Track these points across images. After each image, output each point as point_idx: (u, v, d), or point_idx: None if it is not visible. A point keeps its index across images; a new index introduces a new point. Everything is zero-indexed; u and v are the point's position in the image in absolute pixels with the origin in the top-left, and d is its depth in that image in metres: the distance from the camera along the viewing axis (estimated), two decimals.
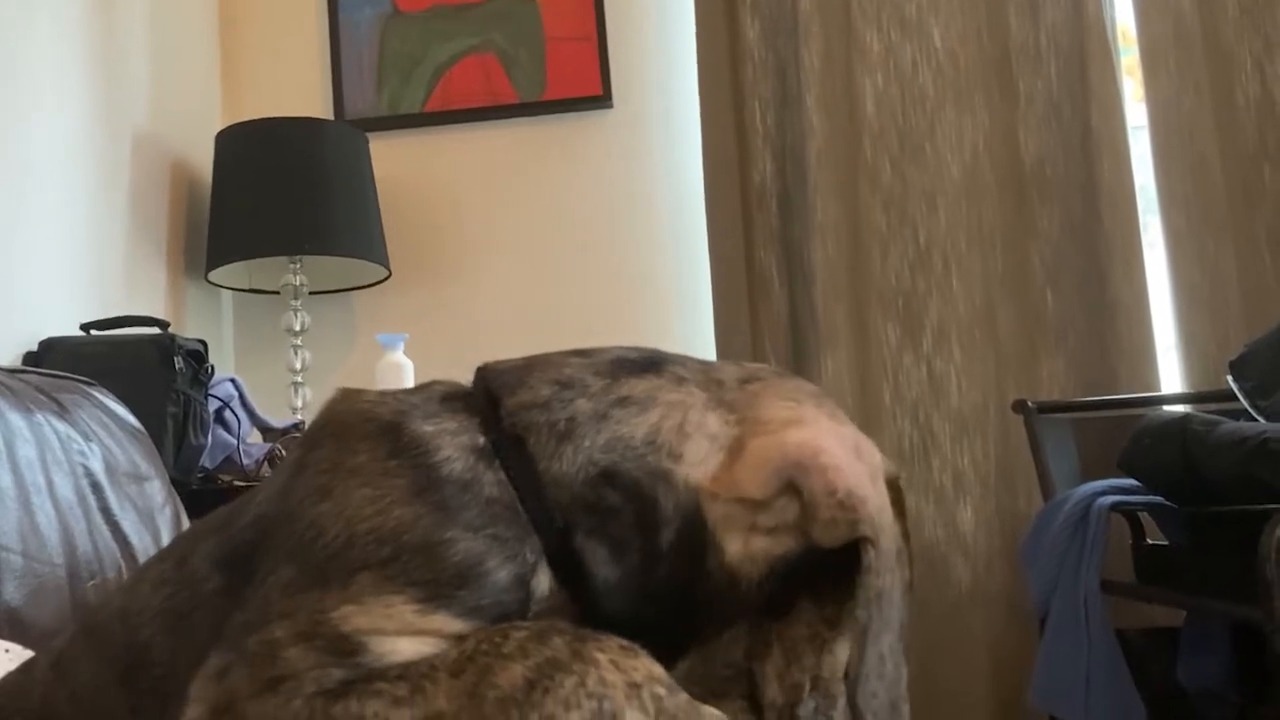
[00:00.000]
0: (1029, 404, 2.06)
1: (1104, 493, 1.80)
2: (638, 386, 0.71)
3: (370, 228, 2.41)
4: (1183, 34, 2.30)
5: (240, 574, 0.70)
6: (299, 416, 2.31)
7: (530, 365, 0.75)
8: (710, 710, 0.60)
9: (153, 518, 1.51)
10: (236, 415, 2.04)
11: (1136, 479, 1.72)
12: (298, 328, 2.42)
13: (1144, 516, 1.86)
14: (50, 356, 1.79)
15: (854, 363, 2.36)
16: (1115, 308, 2.29)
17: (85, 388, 1.56)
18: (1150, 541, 1.85)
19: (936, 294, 2.34)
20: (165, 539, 1.48)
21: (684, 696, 0.60)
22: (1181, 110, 2.31)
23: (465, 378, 0.79)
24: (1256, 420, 1.72)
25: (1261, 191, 2.22)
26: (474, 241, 2.62)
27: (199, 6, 2.67)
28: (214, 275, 2.41)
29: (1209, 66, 2.27)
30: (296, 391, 2.40)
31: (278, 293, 2.49)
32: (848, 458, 0.68)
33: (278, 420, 2.19)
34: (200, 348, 1.92)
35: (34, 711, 0.80)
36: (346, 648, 0.61)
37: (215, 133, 2.43)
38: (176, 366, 1.84)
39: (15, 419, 1.34)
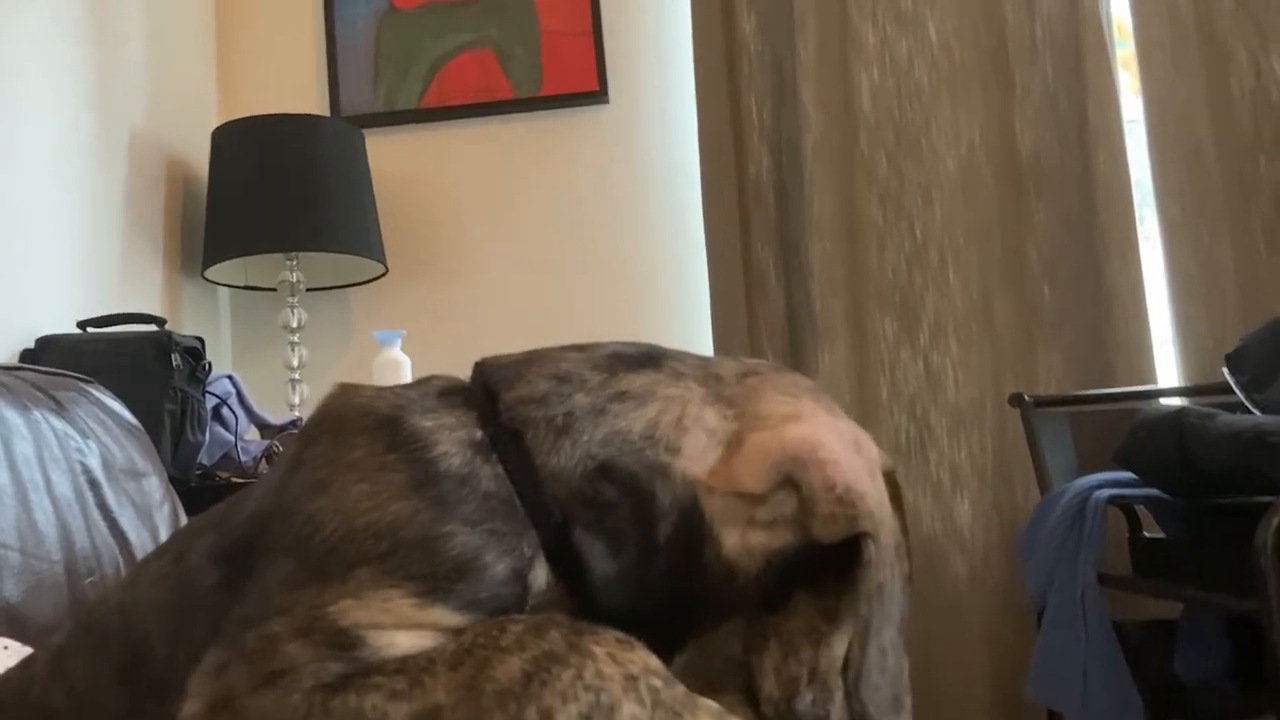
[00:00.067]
0: (1026, 398, 2.06)
1: (1101, 486, 1.80)
2: (635, 381, 0.71)
3: (367, 224, 2.41)
4: (1178, 27, 2.30)
5: (238, 569, 0.70)
6: (296, 413, 2.31)
7: (528, 360, 0.75)
8: (707, 702, 0.60)
9: (151, 515, 1.51)
10: (234, 412, 2.04)
11: (1133, 472, 1.72)
12: (294, 324, 2.42)
13: (1141, 509, 1.86)
14: (47, 354, 1.79)
15: (851, 357, 2.37)
16: (1111, 301, 2.29)
17: (82, 385, 1.56)
18: (1147, 534, 1.85)
19: (933, 288, 2.34)
20: (163, 536, 1.49)
21: (681, 689, 0.60)
22: (1177, 103, 2.31)
23: (463, 374, 0.79)
24: (1252, 413, 1.72)
25: (1257, 184, 2.22)
26: (470, 238, 2.62)
27: (195, 3, 2.67)
28: (211, 272, 2.41)
29: (1204, 59, 2.27)
30: (294, 388, 2.40)
31: (274, 290, 2.49)
32: (846, 452, 0.68)
33: (275, 417, 2.19)
34: (197, 345, 1.92)
35: (32, 708, 0.80)
36: (345, 642, 0.61)
37: (211, 130, 2.42)
38: (174, 363, 1.84)
39: (12, 416, 1.34)
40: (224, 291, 2.62)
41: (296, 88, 2.68)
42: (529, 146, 2.64)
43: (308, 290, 2.47)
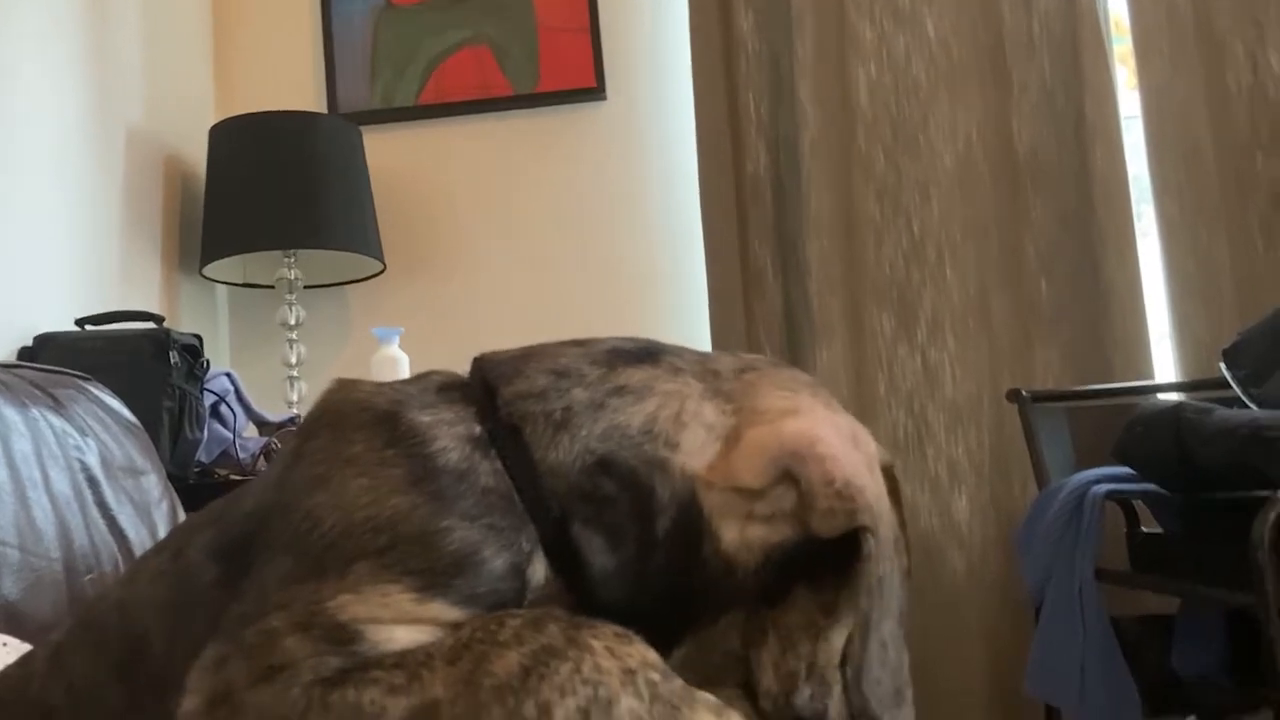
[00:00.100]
0: (1023, 393, 2.07)
1: (1098, 481, 1.81)
2: (634, 376, 0.71)
3: (364, 221, 2.41)
4: (1175, 22, 2.31)
5: (237, 565, 0.70)
6: (294, 411, 2.31)
7: (527, 355, 0.75)
8: (705, 696, 0.60)
9: (149, 512, 1.51)
10: (232, 409, 2.04)
11: (1131, 467, 1.72)
12: (293, 322, 2.42)
13: (1138, 504, 1.86)
14: (45, 352, 1.79)
15: (849, 354, 2.37)
16: (1109, 297, 2.29)
17: (81, 383, 1.56)
18: (1145, 529, 1.85)
19: (930, 284, 2.34)
20: (162, 533, 1.49)
21: (679, 682, 0.60)
22: (1174, 99, 2.31)
23: (461, 370, 0.79)
24: (1249, 408, 1.72)
25: (1254, 179, 2.23)
26: (468, 235, 2.62)
27: (192, 1, 2.66)
28: (209, 270, 2.41)
29: (1201, 55, 2.28)
30: (292, 385, 2.40)
31: (272, 287, 2.48)
32: (845, 447, 0.68)
33: (273, 414, 2.19)
34: (195, 342, 1.92)
35: (31, 704, 0.80)
36: (343, 636, 0.61)
37: (209, 127, 2.42)
38: (172, 361, 1.84)
39: (11, 414, 1.34)
40: (222, 289, 2.62)
41: (294, 85, 2.68)
42: (526, 143, 2.63)
43: (306, 288, 2.47)
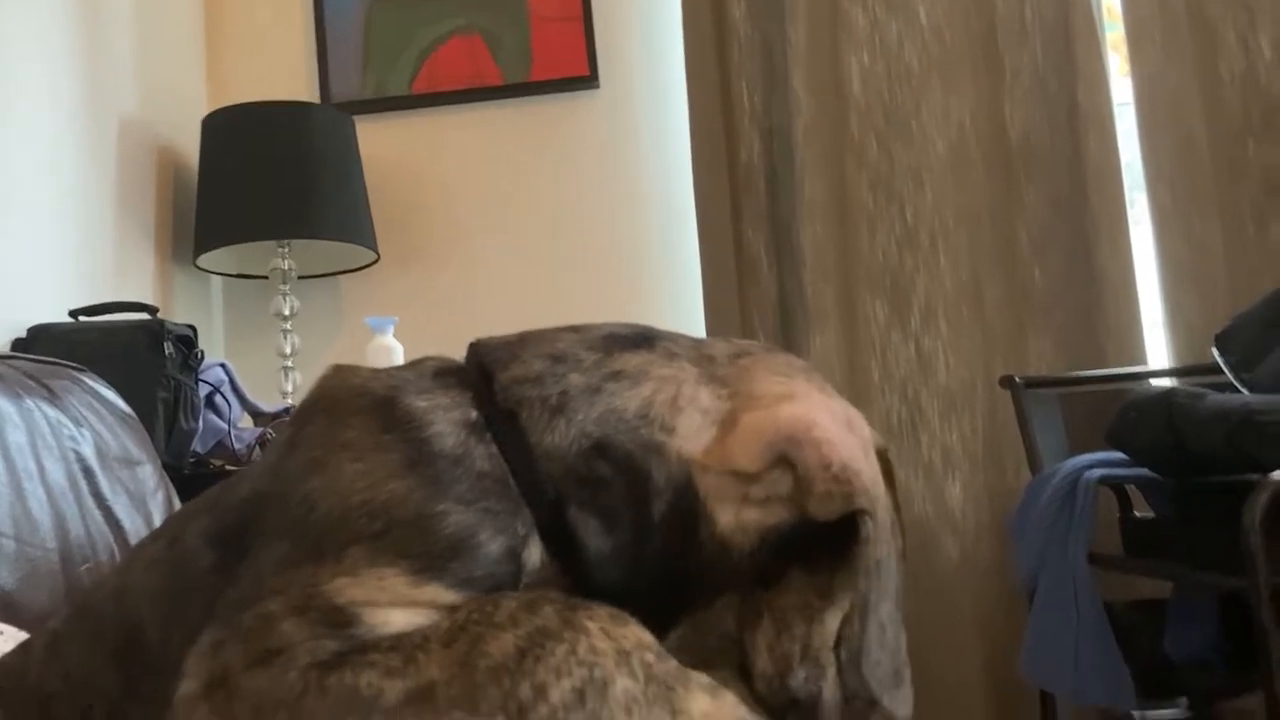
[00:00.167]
0: (1016, 379, 2.07)
1: (1091, 466, 1.81)
2: (630, 361, 0.71)
3: (358, 211, 2.40)
4: (1167, 9, 2.31)
5: (233, 551, 0.70)
6: (289, 401, 2.31)
7: (523, 340, 0.75)
8: (699, 676, 0.61)
9: (145, 502, 1.51)
10: (227, 400, 2.04)
11: (1124, 452, 1.73)
12: (287, 312, 2.42)
13: (1131, 489, 1.87)
14: (39, 344, 1.79)
15: (842, 341, 2.37)
16: (1102, 283, 2.30)
17: (75, 373, 1.56)
18: (1138, 514, 1.86)
19: (924, 271, 2.35)
20: (157, 523, 1.49)
21: (673, 663, 0.60)
22: (1167, 85, 2.31)
23: (456, 357, 0.79)
24: (1241, 393, 1.73)
25: (1246, 166, 2.23)
26: (462, 224, 2.62)
27: None
28: (202, 260, 2.41)
29: (1193, 41, 2.28)
30: (286, 376, 2.40)
31: (266, 277, 2.48)
32: (840, 431, 0.68)
33: (268, 404, 2.19)
34: (190, 333, 1.92)
35: (29, 692, 0.80)
36: (340, 620, 0.61)
37: (201, 118, 2.42)
38: (166, 352, 1.83)
39: (5, 405, 1.34)
40: (216, 279, 2.62)
41: (286, 75, 2.67)
42: (519, 132, 2.63)
43: (300, 278, 2.47)
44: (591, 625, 0.60)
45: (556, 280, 2.56)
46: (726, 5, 2.46)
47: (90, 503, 1.41)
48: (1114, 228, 2.32)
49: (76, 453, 1.42)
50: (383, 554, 0.64)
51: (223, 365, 2.10)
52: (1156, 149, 2.34)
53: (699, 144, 2.46)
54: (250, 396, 2.15)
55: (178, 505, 1.56)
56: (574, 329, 0.76)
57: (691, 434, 0.69)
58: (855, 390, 2.33)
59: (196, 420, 1.92)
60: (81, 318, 1.92)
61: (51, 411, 1.42)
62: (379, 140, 2.57)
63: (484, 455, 0.68)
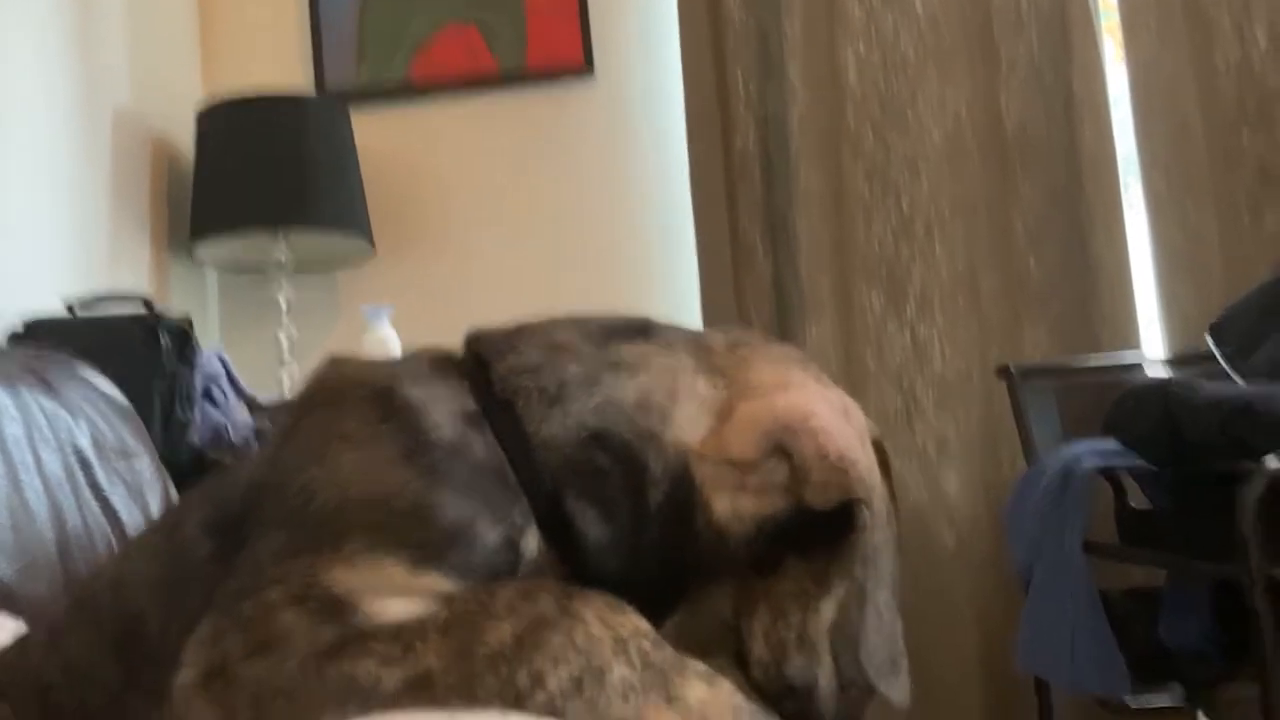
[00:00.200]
0: (1012, 369, 2.08)
1: (1087, 455, 1.82)
2: (628, 351, 0.72)
3: (353, 202, 2.40)
4: None
5: (231, 541, 0.70)
6: (285, 392, 2.31)
7: (520, 331, 0.76)
8: (695, 663, 0.61)
9: (142, 493, 1.51)
10: (223, 391, 2.04)
11: (1119, 442, 1.74)
12: (283, 303, 2.41)
13: (1126, 479, 1.87)
14: (35, 336, 1.79)
15: (838, 330, 2.37)
16: (1097, 273, 2.30)
17: (71, 364, 1.56)
18: (1133, 504, 1.87)
19: (920, 261, 2.35)
20: (155, 514, 1.49)
21: (670, 651, 0.61)
22: (1162, 75, 2.31)
23: (452, 348, 0.80)
24: (1236, 382, 1.74)
25: (1241, 155, 2.23)
26: (457, 214, 2.62)
27: None
28: (198, 251, 2.40)
29: (1189, 30, 2.28)
30: (283, 367, 2.40)
31: (262, 268, 2.48)
32: (837, 421, 0.69)
33: (264, 396, 2.19)
34: (186, 324, 1.92)
35: (29, 683, 0.80)
36: (339, 608, 0.62)
37: (195, 108, 2.41)
38: (162, 344, 1.83)
39: (1, 397, 1.34)
40: (212, 271, 2.62)
41: (281, 65, 2.66)
42: (515, 122, 2.63)
43: (296, 269, 2.47)
44: (588, 614, 0.60)
45: (552, 270, 2.56)
46: None
47: (87, 494, 1.41)
48: (1109, 217, 2.32)
49: (73, 444, 1.42)
50: (381, 544, 0.64)
51: (219, 356, 2.10)
52: (1152, 138, 2.34)
53: (694, 133, 2.46)
54: (247, 388, 2.14)
55: (175, 497, 1.56)
56: (571, 319, 0.76)
57: (688, 424, 0.69)
58: (851, 380, 2.33)
59: (193, 412, 1.92)
60: (77, 310, 1.91)
61: (48, 403, 1.42)
62: (374, 130, 2.57)
63: (481, 445, 0.69)
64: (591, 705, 0.58)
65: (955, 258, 2.35)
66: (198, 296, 2.56)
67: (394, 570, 0.63)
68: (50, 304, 1.91)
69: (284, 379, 2.38)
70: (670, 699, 0.58)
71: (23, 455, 1.32)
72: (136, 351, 1.82)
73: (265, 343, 2.44)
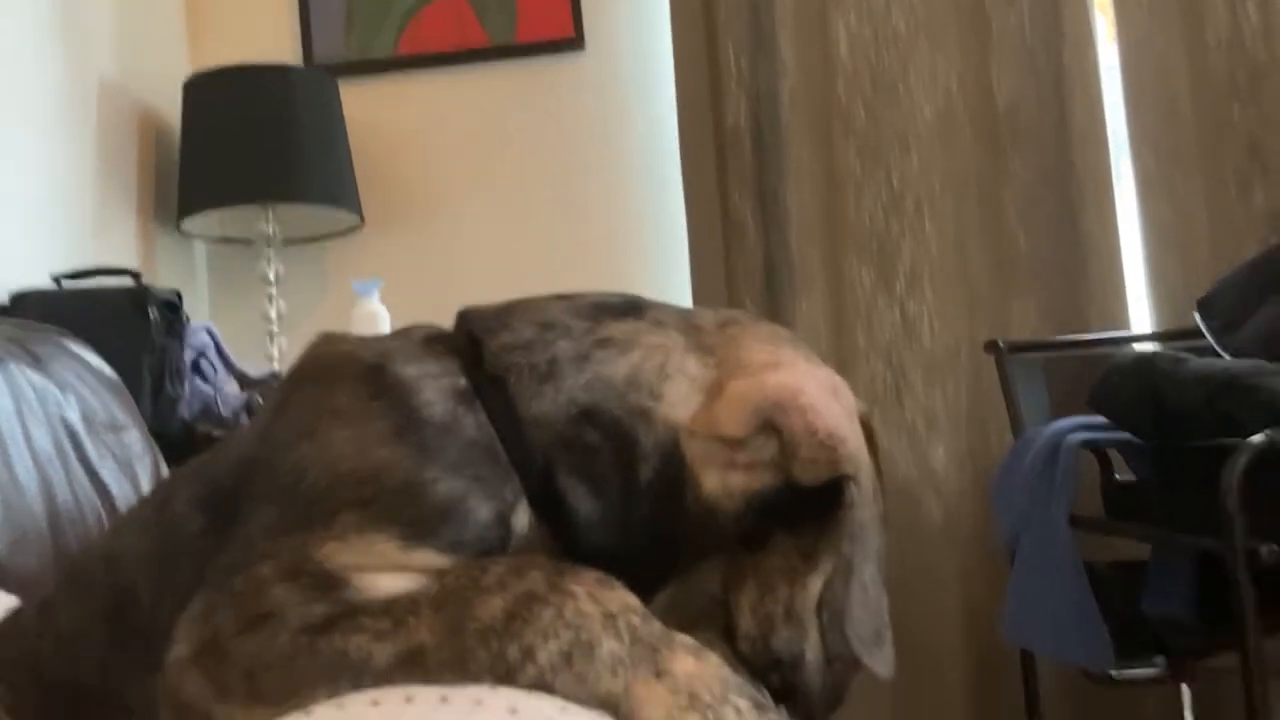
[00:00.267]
0: (1000, 344, 2.08)
1: (1073, 430, 1.83)
2: (619, 329, 0.72)
3: (342, 174, 2.39)
4: None
5: (223, 515, 0.71)
6: (275, 365, 2.31)
7: (511, 308, 0.76)
8: (683, 638, 0.62)
9: (131, 467, 1.51)
10: (213, 365, 2.03)
11: (1106, 416, 1.75)
12: (272, 276, 2.41)
13: (1113, 453, 1.89)
14: (23, 310, 1.78)
15: (828, 305, 2.38)
16: (1086, 248, 2.31)
17: (60, 339, 1.56)
18: (1119, 477, 1.88)
19: (910, 236, 2.35)
20: (145, 488, 1.49)
21: (658, 625, 0.62)
22: (1153, 50, 2.31)
23: (439, 323, 0.80)
24: (1222, 357, 1.75)
25: (1231, 130, 2.23)
26: (447, 187, 2.61)
27: None
28: (186, 224, 2.39)
29: (1181, 5, 2.28)
30: (272, 340, 2.39)
31: (251, 241, 2.47)
32: (826, 398, 0.69)
33: (254, 369, 2.19)
34: (175, 298, 1.92)
35: (21, 658, 0.81)
36: (330, 584, 0.62)
37: (182, 80, 2.39)
38: (151, 317, 1.83)
39: None
40: (200, 244, 2.60)
41: (268, 36, 2.64)
42: (505, 94, 2.61)
43: (284, 242, 2.46)
44: (578, 589, 0.61)
45: (542, 243, 2.55)
46: None
47: (77, 468, 1.41)
48: (1099, 192, 2.32)
49: (63, 418, 1.42)
50: (372, 520, 0.64)
51: (208, 330, 2.10)
52: (1142, 114, 2.34)
53: (685, 107, 2.45)
54: (236, 361, 2.14)
55: (164, 470, 1.57)
56: (562, 297, 0.76)
57: (679, 401, 0.70)
58: (841, 355, 2.34)
59: (182, 385, 1.91)
60: (65, 283, 1.91)
61: (37, 377, 1.42)
62: (363, 103, 2.55)
63: (472, 423, 0.69)
64: (581, 679, 0.58)
65: (945, 233, 2.35)
66: (186, 270, 2.55)
67: (385, 546, 0.64)
68: (37, 278, 1.90)
69: (273, 352, 2.38)
70: (659, 673, 0.59)
71: (12, 430, 1.32)
72: (125, 325, 1.81)
73: (254, 316, 2.43)
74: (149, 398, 1.82)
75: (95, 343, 1.62)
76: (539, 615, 0.59)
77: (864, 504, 0.68)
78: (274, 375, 2.16)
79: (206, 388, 2.01)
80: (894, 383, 2.32)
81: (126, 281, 1.92)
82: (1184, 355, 1.65)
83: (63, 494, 1.35)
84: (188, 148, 2.35)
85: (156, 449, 1.60)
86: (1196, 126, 2.26)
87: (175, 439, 1.87)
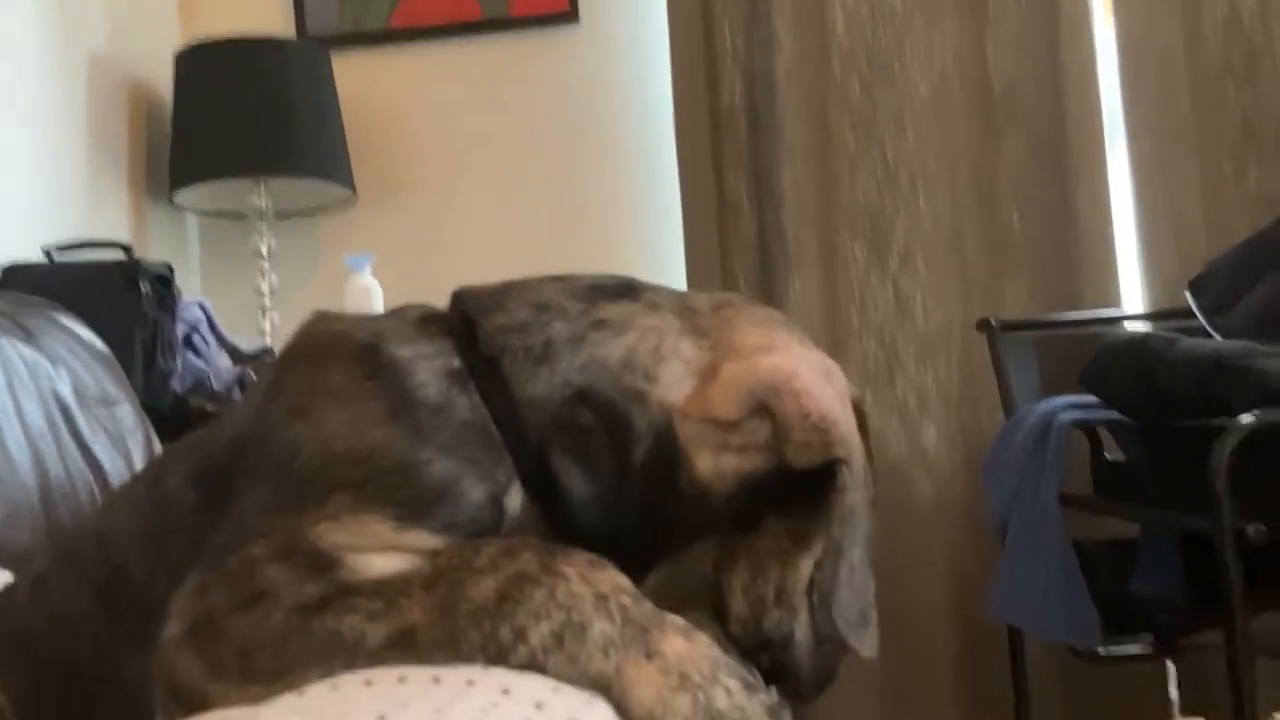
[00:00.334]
0: (992, 323, 2.09)
1: (1064, 409, 1.83)
2: (614, 311, 0.72)
3: (335, 148, 2.38)
4: None
5: (216, 493, 0.71)
6: (267, 340, 2.31)
7: (506, 289, 0.76)
8: (674, 618, 0.62)
9: (124, 441, 1.51)
10: (205, 339, 2.03)
11: (1096, 395, 1.75)
12: (264, 251, 2.40)
13: (1103, 432, 1.90)
14: (14, 283, 1.77)
15: (822, 284, 2.38)
16: (1079, 227, 2.31)
17: (51, 313, 1.55)
18: (1109, 456, 1.89)
19: (904, 215, 2.35)
20: (137, 462, 1.49)
21: (649, 606, 0.62)
22: (1150, 29, 2.30)
23: (432, 298, 0.80)
24: (1214, 338, 1.75)
25: (1225, 111, 2.23)
26: (440, 161, 2.60)
27: None
28: (178, 198, 2.38)
29: None
30: (264, 315, 2.39)
31: (243, 215, 2.46)
32: (819, 382, 0.70)
33: (246, 344, 2.18)
34: (167, 271, 1.91)
35: (16, 634, 0.81)
36: (324, 564, 0.63)
37: (173, 51, 2.37)
38: (143, 290, 1.82)
39: None
40: (192, 217, 2.59)
41: (260, 8, 2.62)
42: (499, 69, 2.60)
43: (277, 215, 2.45)
44: (570, 570, 0.61)
45: (535, 218, 2.54)
46: None
47: (69, 442, 1.41)
48: (1093, 172, 2.32)
49: (54, 392, 1.42)
50: (366, 500, 0.65)
51: (200, 304, 2.09)
52: (1137, 92, 2.33)
53: (680, 84, 2.44)
54: (228, 335, 2.14)
55: (157, 445, 1.57)
56: (558, 278, 0.76)
57: (673, 383, 0.70)
58: (834, 334, 2.34)
59: (174, 359, 1.91)
60: (56, 256, 1.90)
61: (28, 351, 1.42)
62: (356, 76, 2.53)
63: (466, 404, 0.69)
64: (572, 659, 0.59)
65: (939, 212, 2.35)
66: (178, 243, 2.54)
67: (379, 527, 0.64)
68: (28, 251, 1.89)
69: (265, 326, 2.37)
70: (650, 653, 0.60)
71: (3, 404, 1.32)
72: (117, 299, 1.80)
73: (246, 289, 2.42)
74: (141, 372, 1.81)
75: (86, 316, 1.61)
76: (531, 596, 0.60)
77: (855, 487, 0.69)
78: (266, 350, 2.16)
79: (199, 362, 2.00)
80: (886, 361, 2.33)
81: (118, 255, 1.92)
82: (1175, 335, 1.65)
83: (55, 468, 1.35)
84: (179, 120, 2.33)
85: (148, 423, 1.60)
86: (1192, 107, 2.26)
87: (167, 413, 1.86)
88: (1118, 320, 2.23)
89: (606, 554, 0.64)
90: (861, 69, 2.36)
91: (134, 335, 1.80)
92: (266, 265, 2.40)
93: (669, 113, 2.45)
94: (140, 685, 0.64)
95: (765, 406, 0.68)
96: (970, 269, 2.34)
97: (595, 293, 0.74)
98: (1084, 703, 2.19)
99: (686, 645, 0.61)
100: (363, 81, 2.55)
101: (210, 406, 1.93)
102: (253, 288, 2.40)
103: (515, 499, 0.69)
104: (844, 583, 0.69)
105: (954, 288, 2.34)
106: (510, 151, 2.57)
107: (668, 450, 0.69)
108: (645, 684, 0.59)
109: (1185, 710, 2.20)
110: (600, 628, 0.59)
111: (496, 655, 0.59)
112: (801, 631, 0.72)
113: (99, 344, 1.59)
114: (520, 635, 0.59)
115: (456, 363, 0.71)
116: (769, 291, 2.35)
